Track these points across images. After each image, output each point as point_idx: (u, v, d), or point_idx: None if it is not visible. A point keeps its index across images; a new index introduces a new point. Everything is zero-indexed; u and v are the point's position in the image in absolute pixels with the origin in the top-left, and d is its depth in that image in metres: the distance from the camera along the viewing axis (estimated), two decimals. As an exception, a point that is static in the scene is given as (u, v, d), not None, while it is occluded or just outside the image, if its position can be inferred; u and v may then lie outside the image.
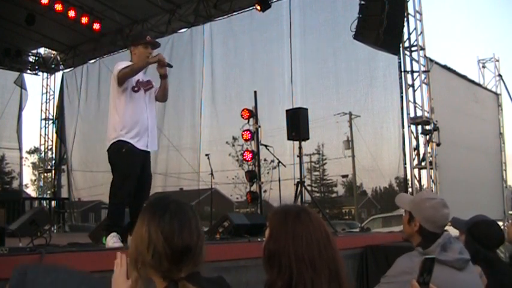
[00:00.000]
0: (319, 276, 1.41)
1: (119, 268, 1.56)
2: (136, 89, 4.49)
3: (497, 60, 13.05)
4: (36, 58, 14.81)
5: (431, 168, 8.49)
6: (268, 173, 10.14)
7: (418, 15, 8.82)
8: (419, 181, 8.72)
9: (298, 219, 1.48)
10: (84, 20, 11.24)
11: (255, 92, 9.11)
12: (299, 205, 1.61)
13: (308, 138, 8.45)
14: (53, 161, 15.10)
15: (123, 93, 4.46)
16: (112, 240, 4.23)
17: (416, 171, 8.72)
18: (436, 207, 2.26)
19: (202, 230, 1.50)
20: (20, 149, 14.63)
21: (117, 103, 4.46)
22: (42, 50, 14.83)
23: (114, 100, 4.49)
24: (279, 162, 8.63)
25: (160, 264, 1.38)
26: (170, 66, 4.68)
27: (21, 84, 14.24)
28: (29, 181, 32.89)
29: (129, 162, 4.38)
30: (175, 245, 1.38)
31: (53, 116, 15.22)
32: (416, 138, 8.68)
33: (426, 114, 8.57)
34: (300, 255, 1.42)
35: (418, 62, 8.75)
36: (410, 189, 9.13)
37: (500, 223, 2.90)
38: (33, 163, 35.27)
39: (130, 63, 4.58)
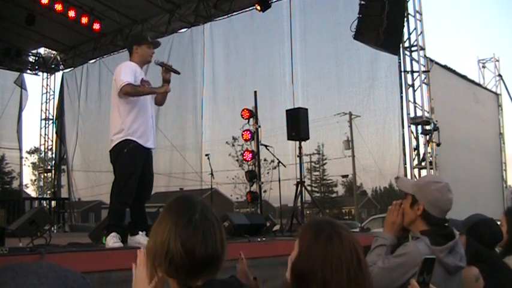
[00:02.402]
0: None
1: (140, 269, 1.48)
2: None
3: (497, 60, 13.06)
4: (36, 58, 14.81)
5: (431, 168, 8.48)
6: (268, 173, 10.13)
7: (418, 15, 8.83)
8: (419, 181, 8.71)
9: (329, 242, 1.42)
10: (84, 20, 11.24)
11: (255, 92, 9.11)
12: (333, 222, 1.53)
13: (308, 138, 8.45)
14: (53, 161, 15.10)
15: None
16: (112, 240, 4.23)
17: (416, 171, 8.71)
18: (442, 190, 2.21)
19: (225, 239, 1.42)
20: (20, 149, 14.63)
21: (120, 103, 4.45)
22: (42, 50, 14.83)
23: (116, 100, 4.48)
24: (279, 162, 8.63)
25: (176, 273, 1.33)
26: (178, 73, 4.72)
27: (21, 84, 14.24)
28: (29, 181, 32.82)
29: (131, 162, 4.38)
30: (196, 258, 1.32)
31: (53, 116, 15.23)
32: (416, 138, 8.68)
33: (426, 114, 8.57)
34: (327, 282, 1.37)
35: (418, 62, 8.75)
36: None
37: (498, 223, 2.89)
38: (33, 163, 35.22)
39: (133, 64, 4.58)
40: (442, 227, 2.21)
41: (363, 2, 7.50)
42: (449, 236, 2.17)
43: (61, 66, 14.99)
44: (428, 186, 2.23)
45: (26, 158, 31.41)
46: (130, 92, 4.37)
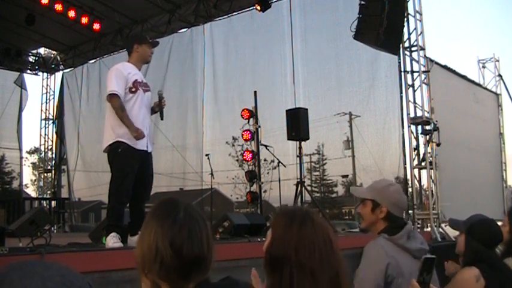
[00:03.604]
0: (320, 285, 1.40)
1: None
2: (133, 89, 4.50)
3: (497, 60, 13.06)
4: (36, 58, 14.81)
5: (431, 168, 8.48)
6: (268, 173, 10.14)
7: (418, 15, 8.82)
8: (419, 181, 8.73)
9: (303, 227, 1.46)
10: (84, 20, 11.24)
11: (255, 92, 9.12)
12: (304, 209, 1.58)
13: (308, 138, 8.45)
14: (53, 161, 15.10)
15: None
16: (112, 240, 4.24)
17: (416, 171, 8.71)
18: (399, 191, 2.34)
19: (212, 238, 1.43)
20: (20, 149, 14.62)
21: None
22: (42, 50, 14.83)
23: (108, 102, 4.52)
24: (279, 162, 8.64)
25: (168, 276, 1.33)
26: (161, 117, 4.88)
27: (21, 84, 14.23)
28: (29, 181, 32.82)
29: (126, 162, 4.39)
30: (184, 257, 1.32)
31: (53, 116, 15.22)
32: (416, 138, 8.68)
33: (426, 114, 8.57)
34: (302, 264, 1.41)
35: (418, 62, 8.75)
36: (410, 189, 9.14)
37: (500, 223, 2.90)
38: (33, 163, 35.21)
39: (128, 66, 4.61)
40: (396, 220, 2.32)
41: (363, 2, 7.50)
42: (403, 225, 2.29)
43: (61, 66, 14.98)
44: (387, 189, 2.33)
45: (26, 158, 31.42)
46: (113, 106, 4.40)
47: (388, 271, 2.13)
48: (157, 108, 4.78)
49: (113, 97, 4.39)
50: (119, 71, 4.51)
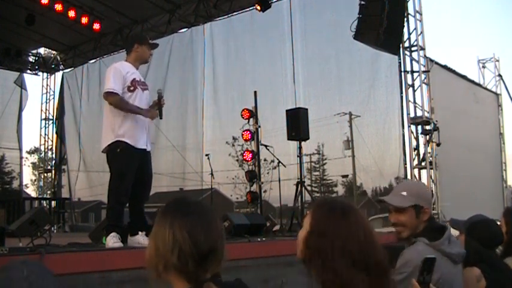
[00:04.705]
0: (360, 274, 1.42)
1: None
2: (132, 88, 4.50)
3: (497, 60, 13.07)
4: (36, 58, 14.81)
5: (431, 168, 8.48)
6: (268, 173, 10.13)
7: (418, 15, 8.82)
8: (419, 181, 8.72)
9: (346, 216, 1.50)
10: (84, 20, 11.25)
11: (255, 92, 9.12)
12: (343, 200, 1.62)
13: (308, 138, 8.44)
14: (53, 161, 15.10)
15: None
16: (112, 240, 4.23)
17: (416, 171, 8.71)
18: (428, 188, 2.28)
19: (223, 230, 1.48)
20: (20, 149, 14.63)
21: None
22: (42, 50, 14.84)
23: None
24: (279, 162, 8.63)
25: (186, 266, 1.34)
26: (161, 116, 4.80)
27: (21, 84, 14.24)
28: (29, 181, 32.76)
29: (125, 162, 4.38)
30: (201, 245, 1.36)
31: (53, 116, 15.22)
32: (416, 138, 8.68)
33: (426, 114, 8.57)
34: (344, 255, 1.43)
35: (418, 62, 8.75)
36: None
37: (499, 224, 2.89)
38: (33, 163, 35.20)
39: (125, 65, 4.60)
40: (433, 222, 2.24)
41: (363, 2, 7.50)
42: (441, 228, 2.19)
43: (61, 66, 14.99)
44: (423, 190, 2.26)
45: (26, 158, 31.40)
46: (113, 103, 4.41)
47: None
48: (157, 107, 4.77)
49: (109, 95, 4.39)
50: (117, 70, 4.50)
